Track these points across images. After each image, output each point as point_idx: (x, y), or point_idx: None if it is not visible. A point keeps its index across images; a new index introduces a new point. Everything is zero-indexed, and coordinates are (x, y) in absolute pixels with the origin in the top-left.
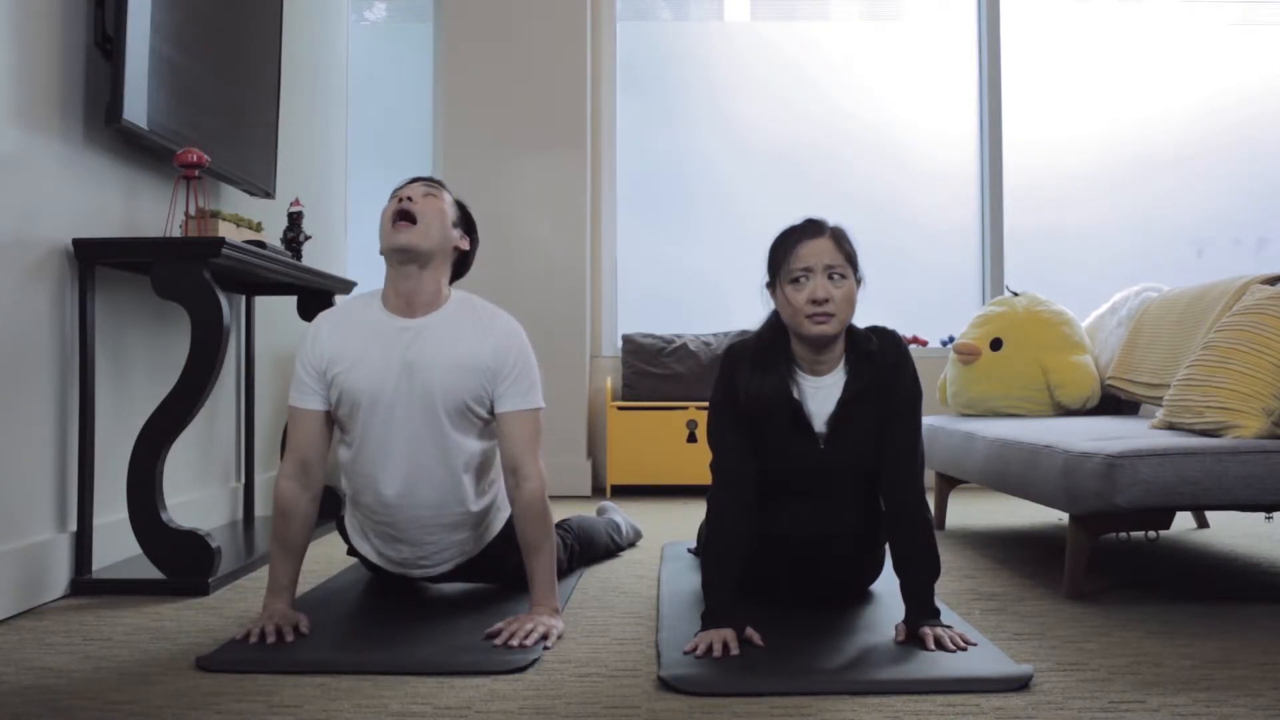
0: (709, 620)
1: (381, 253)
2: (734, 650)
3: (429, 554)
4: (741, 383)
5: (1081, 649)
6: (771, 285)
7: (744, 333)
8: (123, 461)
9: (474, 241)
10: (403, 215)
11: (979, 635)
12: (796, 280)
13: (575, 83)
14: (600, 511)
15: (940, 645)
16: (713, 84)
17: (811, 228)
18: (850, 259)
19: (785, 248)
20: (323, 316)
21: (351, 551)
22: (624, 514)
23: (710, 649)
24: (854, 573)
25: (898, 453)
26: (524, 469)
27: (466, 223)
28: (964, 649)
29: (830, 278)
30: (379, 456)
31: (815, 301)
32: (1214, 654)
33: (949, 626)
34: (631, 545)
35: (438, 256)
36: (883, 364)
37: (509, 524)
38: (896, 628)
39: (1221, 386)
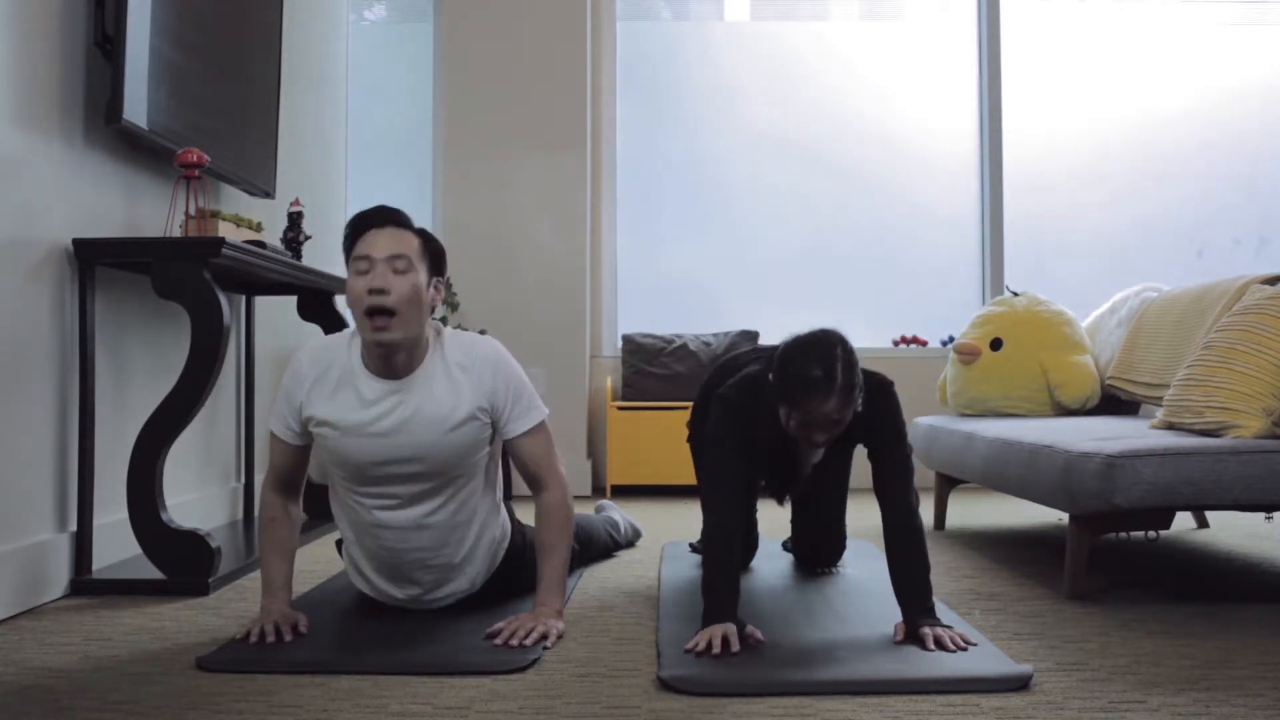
0: (709, 618)
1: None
2: (734, 646)
3: (430, 591)
4: (763, 422)
5: (1081, 649)
6: (773, 388)
7: (745, 333)
8: (123, 461)
9: (444, 277)
10: (378, 311)
11: (979, 635)
12: (799, 426)
13: (575, 83)
14: (598, 509)
15: (940, 645)
16: (713, 84)
17: (820, 392)
18: (854, 405)
19: (794, 395)
20: (307, 363)
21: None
22: (623, 512)
23: (710, 645)
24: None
25: (891, 477)
26: (545, 479)
27: (436, 263)
28: (964, 649)
29: (832, 432)
30: (375, 512)
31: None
32: (1214, 654)
33: (949, 626)
34: (630, 545)
35: (418, 333)
36: (868, 418)
37: (509, 556)
38: (896, 627)
39: (1221, 386)
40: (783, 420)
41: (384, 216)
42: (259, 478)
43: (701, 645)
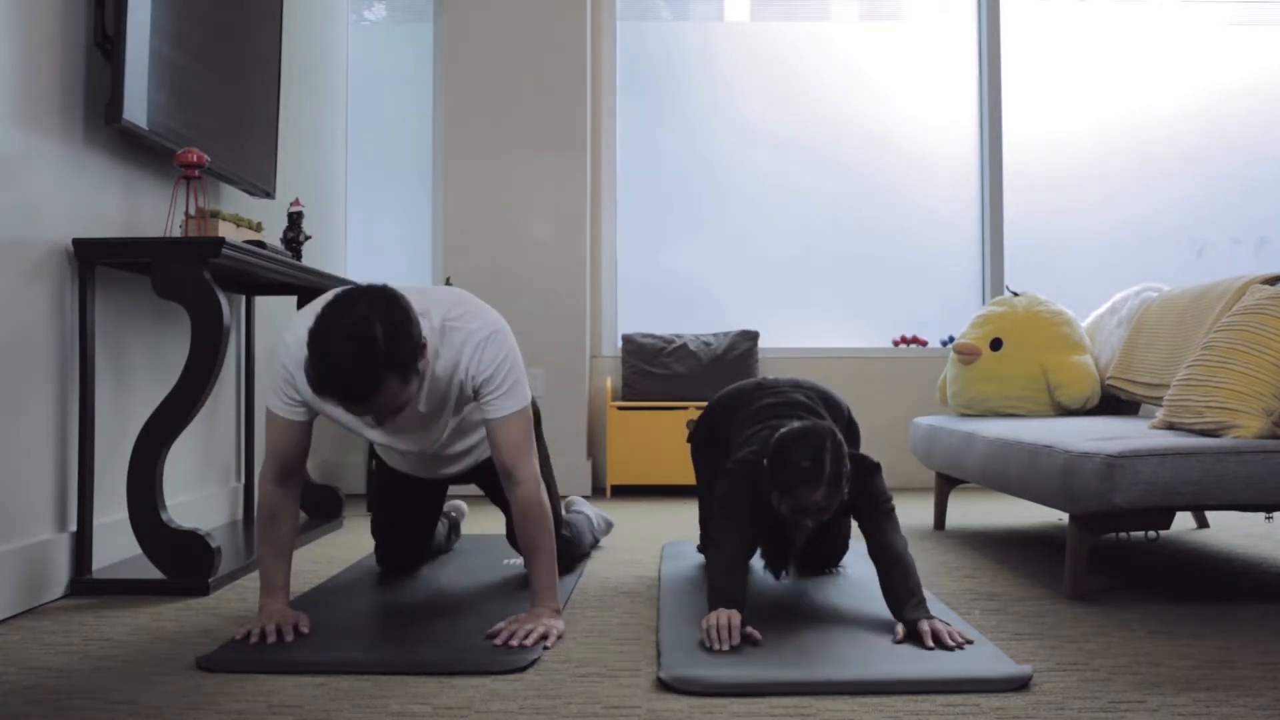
0: (716, 603)
1: None
2: (735, 638)
3: (448, 466)
4: (760, 500)
5: (1081, 649)
6: (766, 475)
7: (745, 333)
8: (123, 461)
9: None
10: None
11: (978, 634)
12: (789, 511)
13: (575, 83)
14: (567, 508)
15: (939, 641)
16: (713, 84)
17: (809, 482)
18: (840, 495)
19: (785, 484)
20: (300, 350)
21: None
22: (593, 508)
23: (718, 631)
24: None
25: (880, 535)
26: (517, 472)
27: (411, 361)
28: (961, 645)
29: (820, 518)
30: (384, 446)
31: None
32: (1214, 654)
33: (947, 623)
34: (596, 543)
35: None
36: (856, 496)
37: None
38: (895, 628)
39: (1221, 386)
40: (775, 505)
41: (345, 397)
42: (259, 477)
43: (711, 624)
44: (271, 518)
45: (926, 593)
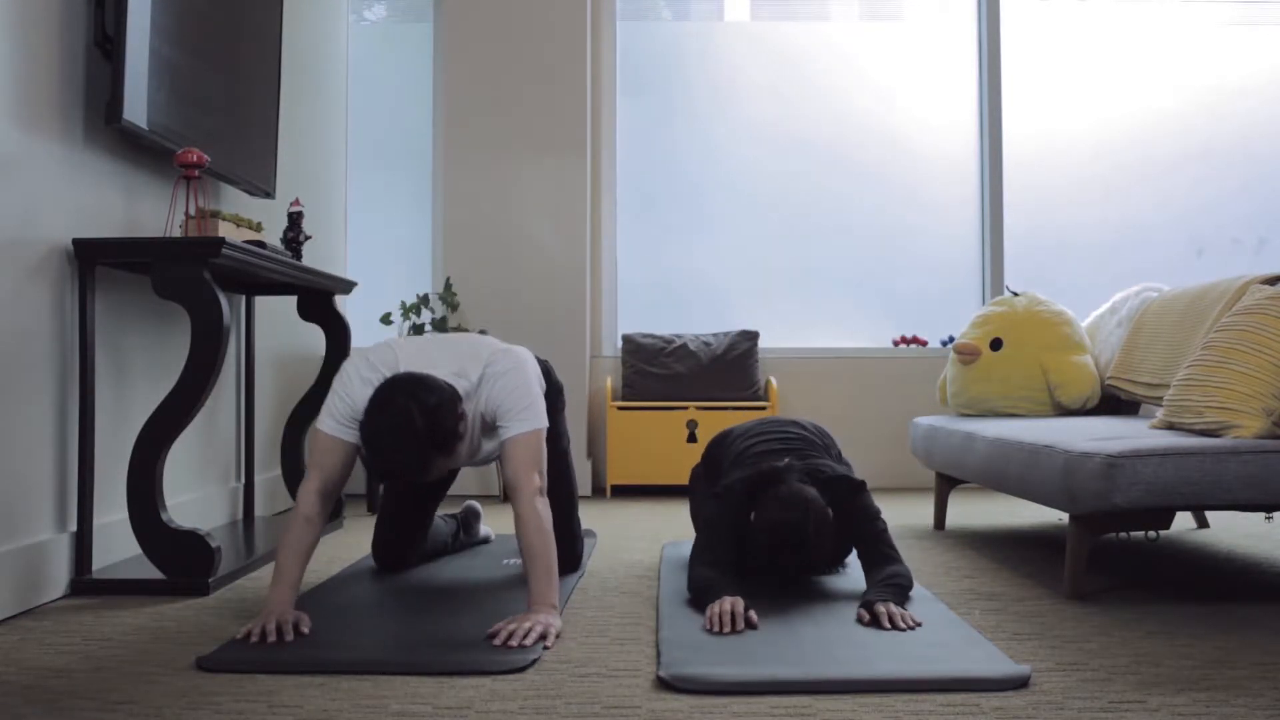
0: (713, 594)
1: None
2: (739, 623)
3: (477, 459)
4: (755, 524)
5: (1081, 649)
6: (752, 528)
7: (745, 333)
8: (123, 461)
9: (458, 410)
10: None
11: (976, 634)
12: (776, 561)
13: (575, 83)
14: None
15: (893, 623)
16: (713, 84)
17: (792, 547)
18: (824, 551)
19: (771, 545)
20: (360, 385)
21: None
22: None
23: (722, 619)
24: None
25: (875, 552)
26: (520, 484)
27: (452, 430)
28: (912, 628)
29: (805, 561)
30: None
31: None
32: (1214, 654)
33: (900, 606)
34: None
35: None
36: (844, 517)
37: None
38: (859, 612)
39: (1221, 386)
40: (764, 551)
41: (399, 480)
42: (259, 478)
43: (715, 612)
44: (307, 520)
45: (926, 592)
